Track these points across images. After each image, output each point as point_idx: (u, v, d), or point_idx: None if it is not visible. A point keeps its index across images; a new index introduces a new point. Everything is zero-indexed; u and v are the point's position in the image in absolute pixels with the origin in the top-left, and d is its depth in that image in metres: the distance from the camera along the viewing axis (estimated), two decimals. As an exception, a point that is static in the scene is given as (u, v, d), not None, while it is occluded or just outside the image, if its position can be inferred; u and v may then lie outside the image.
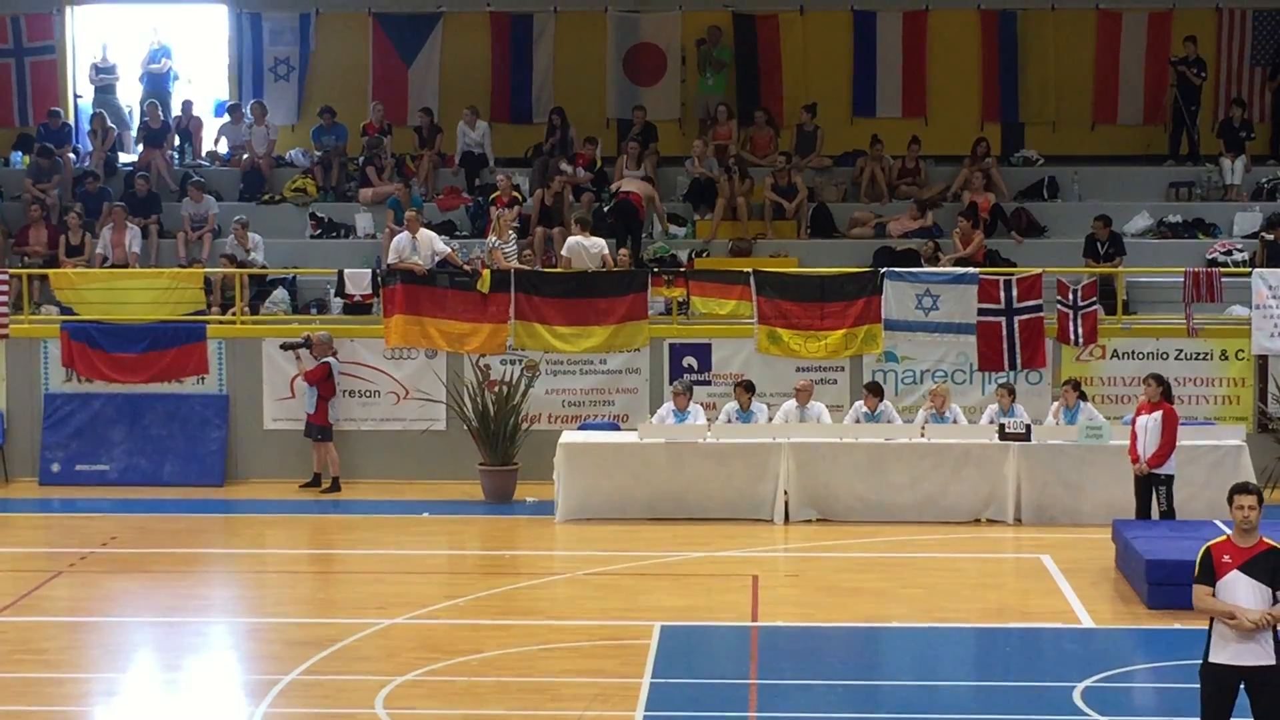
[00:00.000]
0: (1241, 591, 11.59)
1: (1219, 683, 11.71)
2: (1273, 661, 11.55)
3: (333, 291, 26.10)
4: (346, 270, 25.86)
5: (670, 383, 24.41)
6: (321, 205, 28.54)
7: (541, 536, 22.01)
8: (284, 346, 24.72)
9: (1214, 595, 11.68)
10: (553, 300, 25.07)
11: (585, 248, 25.36)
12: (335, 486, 24.43)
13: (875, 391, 23.33)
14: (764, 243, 27.40)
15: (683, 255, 26.91)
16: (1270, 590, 11.54)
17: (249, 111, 29.72)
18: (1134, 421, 20.41)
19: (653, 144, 28.68)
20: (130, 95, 30.84)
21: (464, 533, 22.60)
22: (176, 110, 30.37)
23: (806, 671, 16.08)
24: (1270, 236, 25.83)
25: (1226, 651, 11.65)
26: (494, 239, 25.60)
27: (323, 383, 24.36)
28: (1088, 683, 15.30)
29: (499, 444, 23.95)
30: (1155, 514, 20.11)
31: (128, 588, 19.33)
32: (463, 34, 30.38)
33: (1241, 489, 11.81)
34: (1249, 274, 24.93)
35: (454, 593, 18.89)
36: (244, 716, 14.72)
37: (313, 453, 24.65)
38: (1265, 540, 11.68)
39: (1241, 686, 11.71)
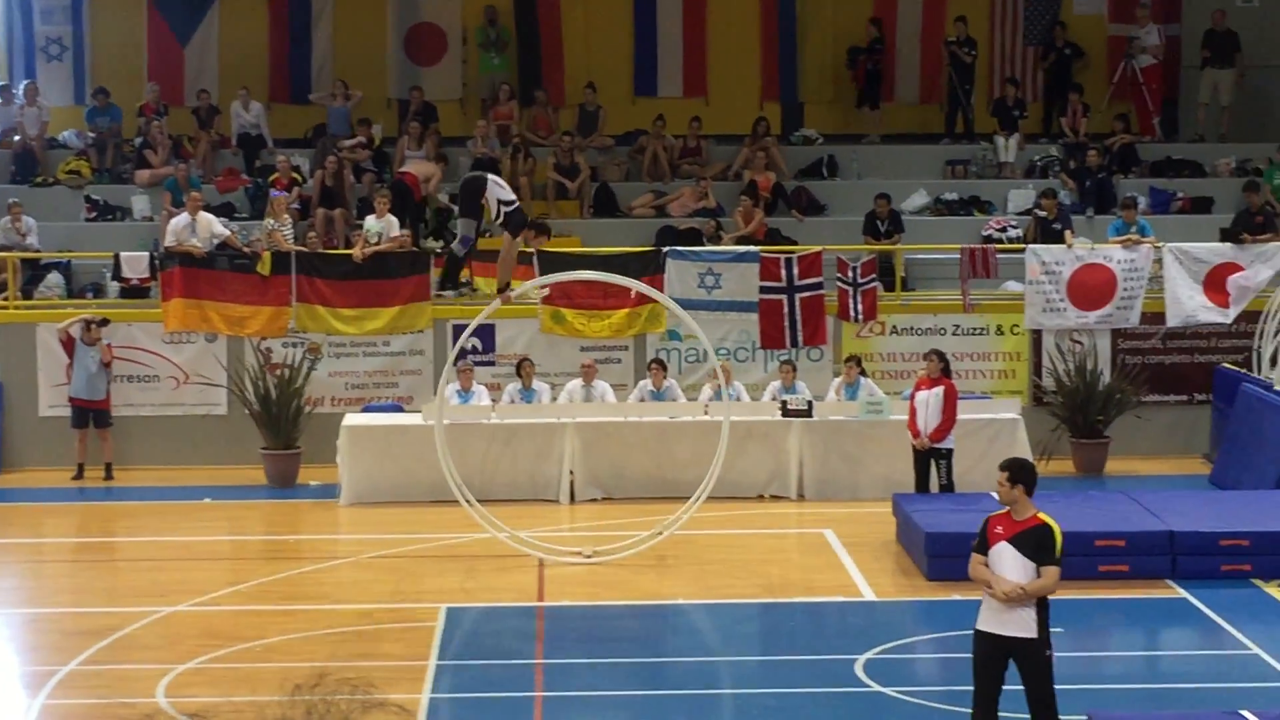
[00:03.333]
0: (1007, 562, 11.85)
1: (984, 649, 12.00)
2: (1034, 635, 11.80)
3: (109, 275, 25.65)
4: (123, 253, 25.44)
5: (453, 363, 24.32)
6: (96, 188, 28.00)
7: (325, 520, 21.85)
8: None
9: (987, 564, 11.92)
10: (334, 282, 24.87)
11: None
12: (109, 474, 24.03)
13: (662, 365, 23.51)
14: (547, 222, 27.32)
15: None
16: (1035, 564, 11.78)
17: (20, 92, 29.09)
18: (913, 396, 20.71)
19: (434, 124, 28.54)
20: (-105, 75, 30.10)
21: (246, 518, 22.33)
22: (-56, 91, 29.66)
23: (593, 650, 16.14)
24: (1043, 213, 26.30)
25: (990, 620, 11.94)
26: (272, 221, 25.34)
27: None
28: (869, 654, 15.53)
29: (281, 428, 23.72)
30: (935, 487, 20.44)
31: (-101, 580, 18.88)
32: (240, 13, 29.98)
33: (999, 467, 12.08)
34: (1023, 250, 25.40)
35: (237, 579, 18.68)
36: (22, 708, 14.44)
37: (80, 443, 24.05)
38: (1038, 516, 11.91)
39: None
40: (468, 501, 19.39)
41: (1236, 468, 22.39)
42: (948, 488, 20.41)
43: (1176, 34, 30.27)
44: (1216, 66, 29.53)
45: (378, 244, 24.96)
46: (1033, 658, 11.81)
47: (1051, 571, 11.75)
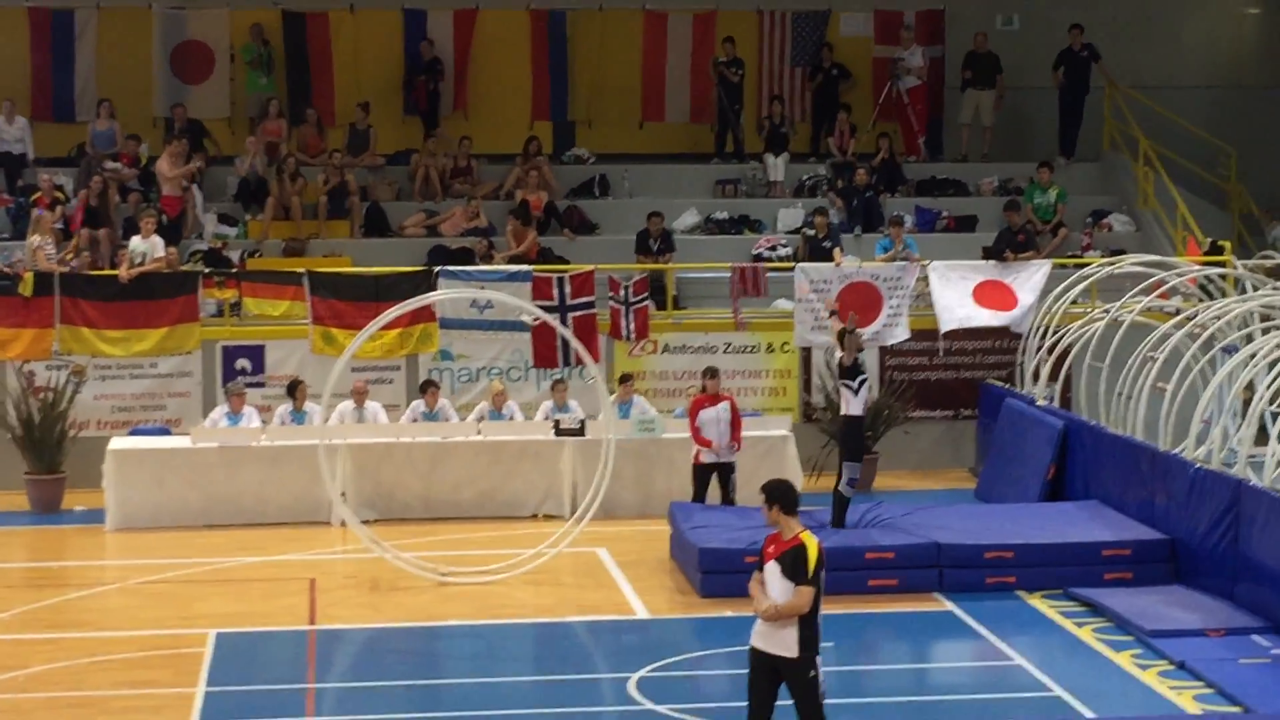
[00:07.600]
0: (772, 581, 11.95)
1: (753, 664, 12.10)
2: (795, 655, 11.88)
3: None
4: (-121, 275, 24.80)
5: (223, 385, 24.06)
6: None
7: (91, 546, 21.44)
8: None
9: (762, 582, 12.02)
10: (99, 303, 24.44)
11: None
12: None
13: (436, 387, 23.42)
14: (317, 242, 27.15)
15: (234, 256, 26.47)
16: (792, 583, 11.86)
17: None
18: (695, 414, 20.72)
19: (207, 137, 28.26)
20: None
21: (9, 544, 21.82)
22: None
23: (366, 673, 16.03)
24: (813, 232, 26.63)
25: (759, 637, 12.04)
26: (36, 240, 24.84)
27: None
28: (642, 673, 15.58)
29: (45, 452, 23.26)
30: (719, 502, 20.59)
31: None
32: (0, 29, 29.34)
33: (760, 490, 12.19)
34: (792, 268, 25.67)
35: (-1, 607, 18.30)
36: None
37: None
38: (801, 535, 11.95)
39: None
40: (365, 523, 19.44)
41: (1001, 481, 22.81)
42: (731, 501, 20.57)
43: (940, 55, 30.79)
44: (978, 88, 30.12)
45: (142, 264, 24.58)
46: (796, 677, 11.89)
47: (802, 591, 11.79)
